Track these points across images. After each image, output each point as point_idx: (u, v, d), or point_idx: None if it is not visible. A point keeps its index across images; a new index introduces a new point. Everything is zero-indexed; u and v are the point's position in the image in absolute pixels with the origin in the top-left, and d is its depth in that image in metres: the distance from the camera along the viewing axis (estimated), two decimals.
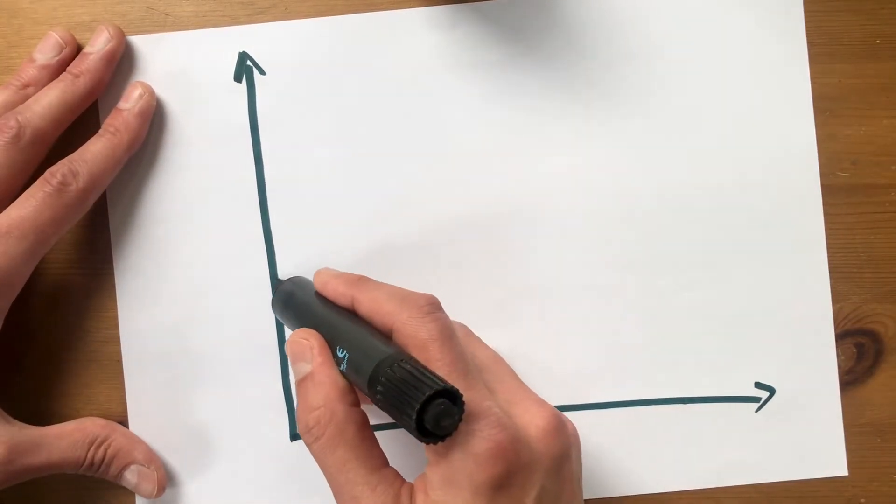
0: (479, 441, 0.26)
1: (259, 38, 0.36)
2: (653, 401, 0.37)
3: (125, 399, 0.37)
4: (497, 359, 0.33)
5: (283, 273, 0.37)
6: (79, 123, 0.36)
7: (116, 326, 0.37)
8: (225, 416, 0.37)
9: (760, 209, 0.37)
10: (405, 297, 0.29)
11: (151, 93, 0.36)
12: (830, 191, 0.37)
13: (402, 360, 0.26)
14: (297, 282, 0.35)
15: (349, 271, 0.36)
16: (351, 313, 0.31)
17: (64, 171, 0.33)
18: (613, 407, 0.36)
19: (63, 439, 0.33)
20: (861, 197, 0.37)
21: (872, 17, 0.37)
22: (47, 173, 0.33)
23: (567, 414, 0.36)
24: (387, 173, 0.37)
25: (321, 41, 0.36)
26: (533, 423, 0.28)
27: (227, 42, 0.37)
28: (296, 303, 0.34)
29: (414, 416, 0.25)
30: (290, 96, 0.37)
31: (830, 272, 0.37)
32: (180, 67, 0.36)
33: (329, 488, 0.35)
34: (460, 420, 0.25)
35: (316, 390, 0.28)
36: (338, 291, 0.32)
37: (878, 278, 0.37)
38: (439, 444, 0.26)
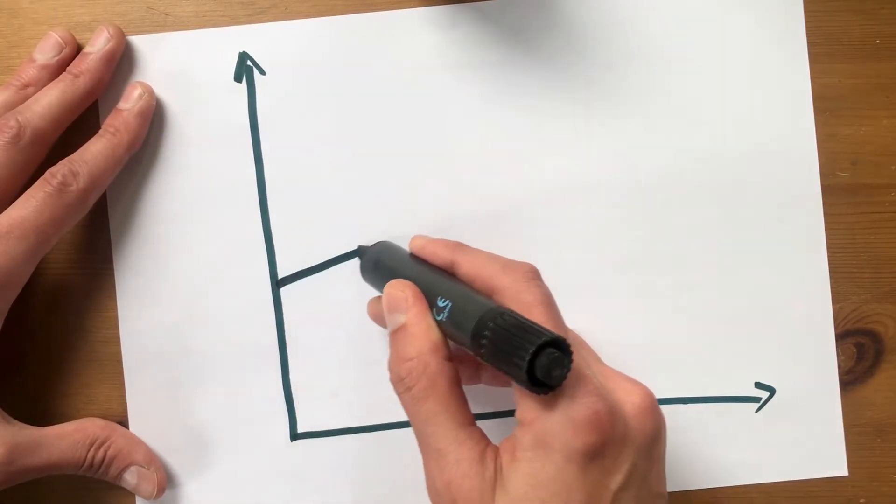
0: (579, 407, 0.26)
1: (259, 38, 0.36)
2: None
3: (125, 399, 0.37)
4: (583, 340, 0.33)
5: (284, 270, 0.37)
6: (79, 123, 0.35)
7: (116, 326, 0.37)
8: (225, 416, 0.37)
9: (761, 209, 0.37)
10: (507, 262, 0.30)
11: (151, 93, 0.36)
12: (830, 191, 0.37)
13: (508, 312, 0.26)
14: (385, 245, 0.35)
15: (350, 273, 0.36)
16: (449, 274, 0.31)
17: (64, 171, 0.33)
18: None
19: (63, 440, 0.33)
20: (861, 197, 0.37)
21: (872, 17, 0.37)
22: (48, 174, 0.33)
23: None
24: (386, 173, 0.37)
25: (321, 41, 0.36)
26: (629, 400, 0.28)
27: (227, 42, 0.37)
28: (388, 263, 0.33)
29: (525, 364, 0.25)
30: (290, 96, 0.37)
31: (830, 272, 0.37)
32: (180, 67, 0.36)
33: (328, 485, 0.35)
34: (569, 371, 0.25)
35: (410, 341, 0.28)
36: (437, 253, 0.32)
37: (878, 278, 0.37)
38: (541, 399, 0.26)
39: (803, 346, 0.37)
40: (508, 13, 0.36)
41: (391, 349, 0.29)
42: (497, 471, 0.27)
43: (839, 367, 0.37)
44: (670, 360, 0.37)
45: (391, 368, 0.29)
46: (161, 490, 0.36)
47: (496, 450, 0.27)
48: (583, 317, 0.36)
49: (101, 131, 0.35)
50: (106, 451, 0.34)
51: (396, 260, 0.33)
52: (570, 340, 0.27)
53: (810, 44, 0.37)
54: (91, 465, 0.34)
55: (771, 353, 0.37)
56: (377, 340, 0.37)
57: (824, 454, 0.37)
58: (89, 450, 0.34)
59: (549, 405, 0.26)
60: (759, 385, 0.37)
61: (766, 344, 0.37)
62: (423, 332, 0.29)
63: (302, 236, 0.37)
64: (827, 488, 0.37)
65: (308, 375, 0.37)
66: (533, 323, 0.26)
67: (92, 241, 0.37)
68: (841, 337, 0.37)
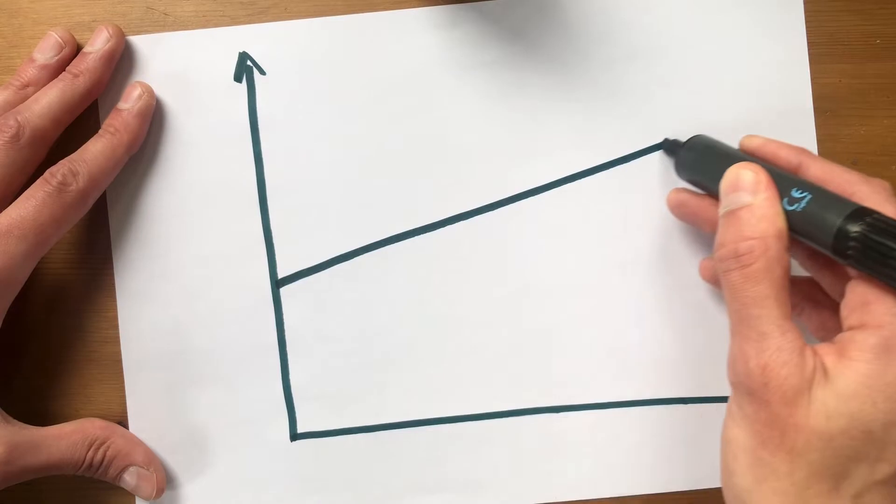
0: None
1: (259, 38, 0.36)
2: (653, 401, 0.36)
3: (124, 399, 0.37)
4: None
5: (284, 270, 0.37)
6: (78, 123, 0.36)
7: (116, 326, 0.37)
8: (225, 416, 0.37)
9: None
10: (865, 178, 0.29)
11: (151, 93, 0.36)
12: None
13: (881, 215, 0.26)
14: (707, 139, 0.34)
15: (352, 273, 0.36)
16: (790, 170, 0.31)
17: (64, 171, 0.33)
18: (614, 407, 0.36)
19: (62, 440, 0.33)
20: None
21: (872, 17, 0.37)
22: (47, 173, 0.33)
23: (567, 413, 0.36)
24: (386, 173, 0.37)
25: (321, 41, 0.36)
26: None
27: (227, 42, 0.37)
28: (725, 151, 0.33)
29: None
30: (290, 96, 0.37)
31: None
32: (180, 67, 0.36)
33: (327, 486, 0.35)
34: None
35: (755, 221, 0.28)
36: (780, 153, 0.32)
37: None
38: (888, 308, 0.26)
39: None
40: (509, 13, 0.36)
41: (728, 227, 0.29)
42: (817, 368, 0.27)
43: None
44: (671, 360, 0.37)
45: (725, 243, 0.28)
46: (160, 491, 0.36)
47: (814, 349, 0.27)
48: (584, 316, 0.37)
49: (100, 131, 0.35)
50: (105, 452, 0.34)
51: (733, 151, 0.33)
52: None
53: (810, 44, 0.37)
54: (90, 465, 0.34)
55: None
56: (377, 341, 0.37)
57: None
58: (88, 450, 0.34)
59: None
60: None
61: None
62: (771, 215, 0.28)
63: (302, 236, 0.37)
64: None
65: (308, 376, 0.37)
66: None
67: (91, 241, 0.37)
68: None
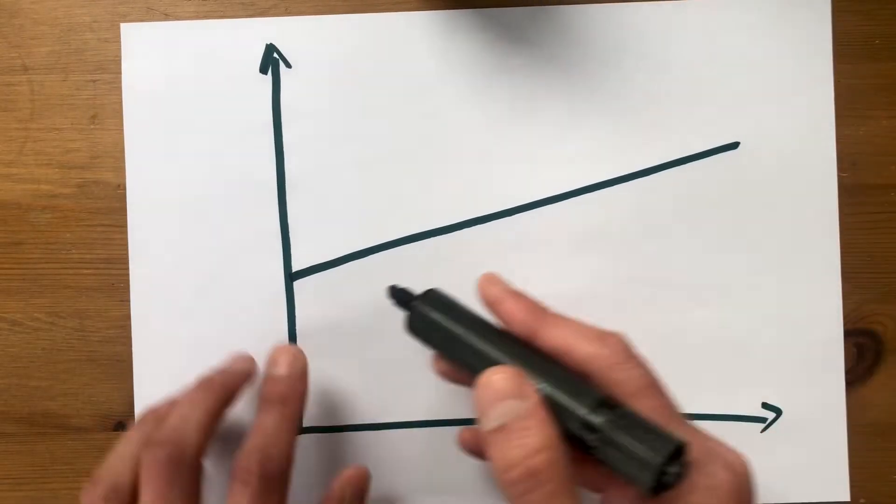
0: (719, 480, 0.26)
1: (286, 31, 0.36)
2: None
3: (126, 399, 0.37)
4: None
5: (298, 264, 0.37)
6: (81, 121, 0.36)
7: (118, 326, 0.37)
8: (235, 411, 0.37)
9: (775, 227, 0.36)
10: (601, 338, 0.28)
11: (304, 356, 0.34)
12: None
13: (623, 410, 0.26)
14: (440, 300, 0.31)
15: (364, 271, 0.36)
16: (526, 344, 0.29)
17: (257, 460, 0.30)
18: None
19: None
20: (861, 197, 0.37)
21: (872, 17, 0.37)
22: (240, 472, 0.30)
23: None
24: (403, 172, 0.36)
25: (349, 37, 0.36)
26: (743, 468, 0.27)
27: (253, 33, 0.36)
28: (449, 327, 0.30)
29: (652, 477, 0.24)
30: (314, 91, 0.36)
31: None
32: (206, 56, 0.36)
33: (330, 478, 0.35)
34: (686, 473, 0.25)
35: (539, 431, 0.25)
36: (516, 318, 0.29)
37: (877, 278, 0.37)
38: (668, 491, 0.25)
39: (812, 369, 0.36)
40: (533, 18, 0.36)
41: (508, 443, 0.25)
42: None
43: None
44: (678, 376, 0.36)
45: (513, 463, 0.25)
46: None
47: None
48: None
49: (265, 405, 0.32)
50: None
51: (467, 324, 0.30)
52: (681, 414, 0.27)
53: None
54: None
55: (780, 375, 0.36)
56: (387, 338, 0.36)
57: (828, 478, 0.37)
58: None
59: (690, 486, 0.26)
60: (766, 406, 0.37)
61: (774, 364, 0.36)
62: (547, 419, 0.26)
63: (318, 231, 0.37)
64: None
65: (317, 370, 0.37)
66: (653, 425, 0.26)
67: (108, 237, 0.37)
68: None
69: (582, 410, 0.26)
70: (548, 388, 0.27)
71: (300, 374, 0.33)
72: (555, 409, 0.26)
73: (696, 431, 0.28)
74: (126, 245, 0.37)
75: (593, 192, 0.37)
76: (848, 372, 0.37)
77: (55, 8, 0.37)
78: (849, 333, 0.37)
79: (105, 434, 0.37)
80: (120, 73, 0.37)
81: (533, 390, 0.26)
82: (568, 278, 0.36)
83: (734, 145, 0.36)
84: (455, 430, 0.36)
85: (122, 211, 0.37)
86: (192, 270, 0.37)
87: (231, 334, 0.37)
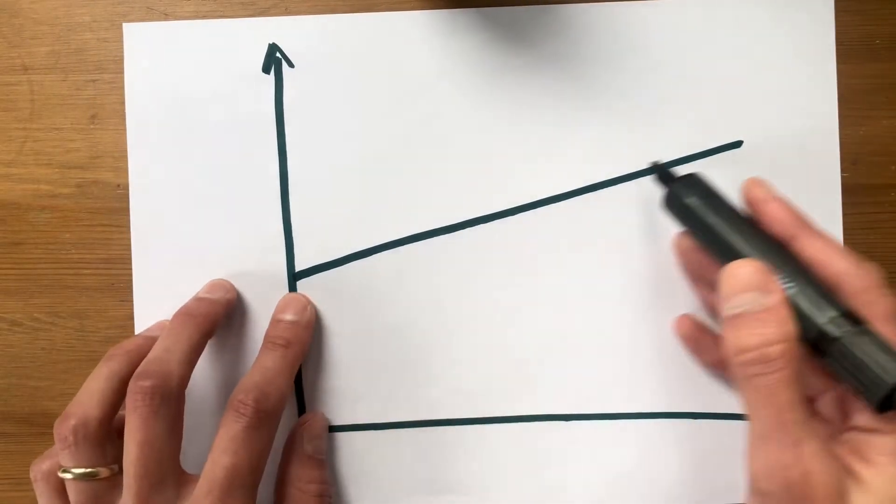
0: None
1: (289, 31, 0.36)
2: (663, 414, 0.36)
3: None
4: None
5: (301, 263, 0.37)
6: (81, 121, 0.35)
7: (117, 326, 0.37)
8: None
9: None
10: (860, 261, 0.29)
11: (314, 306, 0.36)
12: None
13: (863, 324, 0.27)
14: (700, 185, 0.32)
15: (368, 270, 0.36)
16: (781, 246, 0.30)
17: (254, 397, 0.32)
18: (625, 418, 0.36)
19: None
20: (861, 197, 0.37)
21: (872, 17, 0.37)
22: (236, 405, 0.32)
23: (578, 423, 0.36)
24: (408, 173, 0.36)
25: (351, 37, 0.36)
26: None
27: (256, 33, 0.36)
28: (706, 211, 0.31)
29: (881, 396, 0.26)
30: (317, 90, 0.36)
31: None
32: (209, 55, 0.36)
33: (332, 480, 0.35)
34: None
35: (780, 324, 0.27)
36: (777, 219, 0.31)
37: None
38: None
39: None
40: (539, 18, 0.36)
41: (747, 329, 0.27)
42: (849, 472, 0.27)
43: None
44: (683, 374, 0.36)
45: (748, 347, 0.27)
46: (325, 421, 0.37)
47: (836, 453, 0.28)
48: (597, 326, 0.36)
49: (269, 344, 0.34)
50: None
51: (723, 214, 0.31)
52: None
53: None
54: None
55: None
56: (390, 338, 0.36)
57: None
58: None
59: None
60: None
61: None
62: (789, 318, 0.27)
63: (321, 231, 0.37)
64: None
65: (318, 370, 0.37)
66: (893, 348, 0.26)
67: (108, 237, 0.37)
68: None
69: (823, 318, 0.27)
70: (794, 290, 0.28)
71: (306, 323, 0.35)
72: (797, 312, 0.28)
73: None
74: (126, 245, 0.37)
75: (594, 192, 0.37)
76: None
77: (55, 8, 0.37)
78: None
79: None
80: (120, 73, 0.36)
81: (779, 287, 0.28)
82: (568, 278, 0.36)
83: (737, 144, 0.36)
84: (456, 429, 0.36)
85: (122, 211, 0.37)
86: (195, 270, 0.36)
87: (234, 334, 0.37)
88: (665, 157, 0.36)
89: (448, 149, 0.36)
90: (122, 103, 0.36)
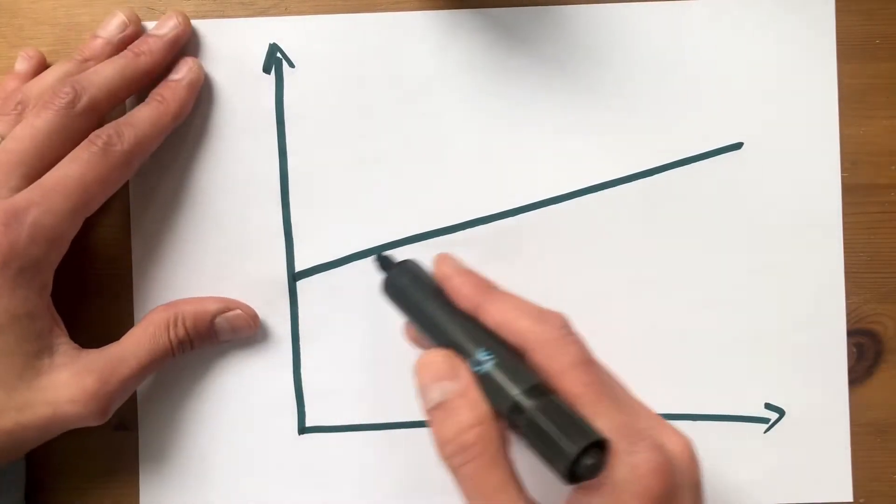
0: (643, 461, 0.26)
1: (290, 31, 0.36)
2: (663, 416, 0.36)
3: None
4: (609, 371, 0.32)
5: (301, 263, 0.37)
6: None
7: (117, 326, 0.37)
8: (234, 406, 0.37)
9: (778, 227, 0.36)
10: (540, 315, 0.29)
11: (200, 67, 0.36)
12: None
13: (551, 395, 0.27)
14: (410, 270, 0.32)
15: (367, 271, 0.36)
16: (473, 319, 0.30)
17: (109, 132, 0.33)
18: None
19: (141, 340, 0.34)
20: (861, 197, 0.37)
21: (872, 17, 0.37)
22: (92, 135, 0.32)
23: None
24: (408, 173, 0.36)
25: (352, 37, 0.36)
26: (677, 448, 0.28)
27: (257, 32, 0.36)
28: (413, 295, 0.31)
29: (567, 466, 0.25)
30: (317, 90, 0.36)
31: None
32: (209, 55, 0.36)
33: (333, 481, 0.35)
34: (603, 466, 0.26)
35: (470, 408, 0.27)
36: (461, 293, 0.30)
37: (877, 278, 0.37)
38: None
39: (816, 370, 0.37)
40: (524, 18, 0.36)
41: (444, 421, 0.27)
42: None
43: None
44: (682, 376, 0.36)
45: (446, 440, 0.27)
46: (256, 323, 0.36)
47: None
48: (595, 327, 0.36)
49: (148, 99, 0.35)
50: (184, 324, 0.34)
51: (423, 295, 0.31)
52: (614, 393, 0.28)
53: None
54: (180, 344, 0.34)
55: (783, 375, 0.36)
56: (389, 339, 0.36)
57: (831, 479, 0.37)
58: (168, 333, 0.34)
59: (612, 466, 0.26)
60: (769, 406, 0.37)
61: (778, 365, 0.36)
62: (481, 398, 0.27)
63: (321, 231, 0.37)
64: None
65: (319, 369, 0.37)
66: (578, 417, 0.26)
67: (108, 236, 0.37)
68: None
69: (515, 391, 0.27)
70: (491, 364, 0.28)
71: (189, 82, 0.35)
72: (492, 388, 0.27)
73: (633, 410, 0.28)
74: (126, 245, 0.37)
75: (594, 193, 0.37)
76: (848, 372, 0.37)
77: (55, 8, 0.37)
78: (849, 333, 0.37)
79: (105, 434, 0.37)
80: None
81: (466, 370, 0.28)
82: (569, 279, 0.36)
83: (738, 145, 0.36)
84: None
85: (122, 211, 0.37)
86: (195, 270, 0.36)
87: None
88: (665, 158, 0.36)
89: (448, 149, 0.37)
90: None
